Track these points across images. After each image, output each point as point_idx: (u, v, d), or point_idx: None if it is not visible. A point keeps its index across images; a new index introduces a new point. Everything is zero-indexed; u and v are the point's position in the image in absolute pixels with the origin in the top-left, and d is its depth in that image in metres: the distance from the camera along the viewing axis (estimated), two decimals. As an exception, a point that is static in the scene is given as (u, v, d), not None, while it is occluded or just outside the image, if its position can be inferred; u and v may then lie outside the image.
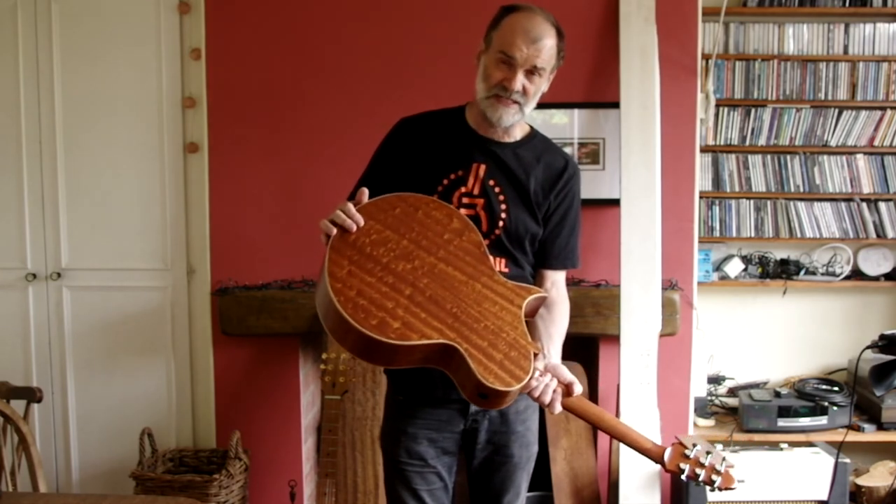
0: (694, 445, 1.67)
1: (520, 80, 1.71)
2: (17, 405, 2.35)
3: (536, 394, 1.60)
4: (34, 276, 3.17)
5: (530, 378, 1.57)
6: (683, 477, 1.65)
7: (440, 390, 1.78)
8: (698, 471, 1.64)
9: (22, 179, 3.14)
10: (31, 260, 3.17)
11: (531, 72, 1.72)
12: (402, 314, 1.56)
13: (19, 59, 3.11)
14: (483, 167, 1.79)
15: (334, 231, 1.62)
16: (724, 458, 1.66)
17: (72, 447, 3.20)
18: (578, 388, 1.64)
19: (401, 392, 1.86)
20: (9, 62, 3.11)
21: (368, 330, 1.52)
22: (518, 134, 1.85)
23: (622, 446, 2.74)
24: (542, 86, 1.77)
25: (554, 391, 1.61)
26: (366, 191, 1.67)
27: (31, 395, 2.42)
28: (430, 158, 1.81)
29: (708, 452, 1.66)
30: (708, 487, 1.65)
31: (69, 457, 3.20)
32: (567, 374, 1.65)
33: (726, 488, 1.65)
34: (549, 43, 1.73)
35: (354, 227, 1.62)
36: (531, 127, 1.89)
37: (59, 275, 3.16)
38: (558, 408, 1.62)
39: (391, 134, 1.88)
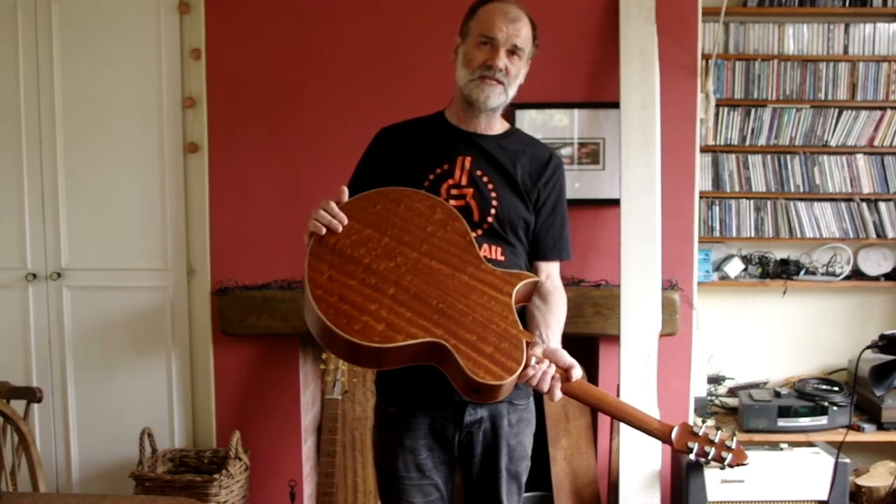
0: (703, 422, 1.65)
1: (503, 59, 1.75)
2: (17, 405, 2.35)
3: (534, 382, 1.58)
4: (34, 276, 3.17)
5: (524, 367, 1.55)
6: (692, 455, 1.61)
7: (432, 397, 1.76)
8: (707, 448, 1.60)
9: (22, 179, 3.14)
10: (31, 260, 3.17)
11: (512, 52, 1.76)
12: (385, 315, 1.53)
13: (19, 59, 3.11)
14: (468, 159, 1.80)
15: (323, 231, 1.60)
16: (734, 436, 1.63)
17: (72, 447, 3.20)
18: (578, 373, 1.62)
19: (392, 403, 1.84)
20: (9, 62, 3.11)
21: (351, 335, 1.50)
22: (499, 128, 1.87)
23: (622, 446, 2.74)
24: (521, 69, 1.80)
25: (553, 378, 1.59)
26: (345, 189, 1.67)
27: (31, 395, 2.42)
28: (414, 158, 1.81)
29: (717, 429, 1.64)
30: (718, 465, 1.63)
31: (69, 457, 3.20)
32: (566, 358, 1.63)
33: (738, 464, 1.61)
34: (525, 25, 1.78)
35: (339, 227, 1.61)
36: (511, 124, 1.92)
37: (59, 275, 3.16)
38: (558, 394, 1.60)
39: (373, 144, 1.90)
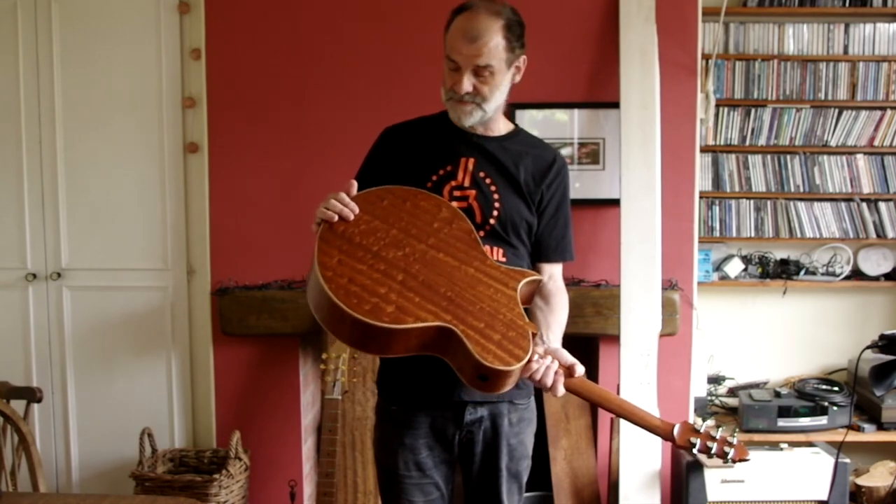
0: (704, 419, 1.66)
1: (467, 82, 1.71)
2: (17, 405, 2.35)
3: (538, 376, 1.59)
4: (34, 276, 3.17)
5: (529, 359, 1.56)
6: (695, 451, 1.62)
7: (432, 396, 1.77)
8: (709, 443, 1.62)
9: (22, 179, 3.14)
10: (31, 260, 3.17)
11: (478, 71, 1.71)
12: (395, 298, 1.55)
13: (19, 59, 3.11)
14: (471, 161, 1.79)
15: (336, 218, 1.62)
16: (735, 432, 1.64)
17: (72, 447, 3.20)
18: (580, 370, 1.63)
19: (393, 402, 1.84)
20: (9, 62, 3.11)
21: (362, 315, 1.50)
22: (503, 129, 1.86)
23: (622, 446, 2.74)
24: (499, 81, 1.73)
25: (556, 373, 1.60)
26: (354, 182, 1.69)
27: (31, 395, 2.42)
28: (418, 158, 1.81)
29: (718, 426, 1.65)
30: (720, 460, 1.64)
31: (69, 457, 3.20)
32: (568, 357, 1.64)
33: (740, 460, 1.63)
34: (490, 39, 1.68)
35: (351, 216, 1.63)
36: (515, 125, 1.91)
37: (59, 275, 3.16)
38: (561, 390, 1.61)
39: (378, 142, 1.90)
